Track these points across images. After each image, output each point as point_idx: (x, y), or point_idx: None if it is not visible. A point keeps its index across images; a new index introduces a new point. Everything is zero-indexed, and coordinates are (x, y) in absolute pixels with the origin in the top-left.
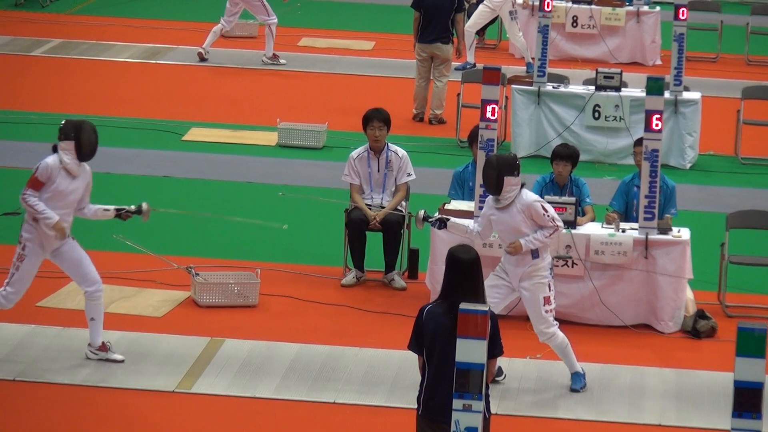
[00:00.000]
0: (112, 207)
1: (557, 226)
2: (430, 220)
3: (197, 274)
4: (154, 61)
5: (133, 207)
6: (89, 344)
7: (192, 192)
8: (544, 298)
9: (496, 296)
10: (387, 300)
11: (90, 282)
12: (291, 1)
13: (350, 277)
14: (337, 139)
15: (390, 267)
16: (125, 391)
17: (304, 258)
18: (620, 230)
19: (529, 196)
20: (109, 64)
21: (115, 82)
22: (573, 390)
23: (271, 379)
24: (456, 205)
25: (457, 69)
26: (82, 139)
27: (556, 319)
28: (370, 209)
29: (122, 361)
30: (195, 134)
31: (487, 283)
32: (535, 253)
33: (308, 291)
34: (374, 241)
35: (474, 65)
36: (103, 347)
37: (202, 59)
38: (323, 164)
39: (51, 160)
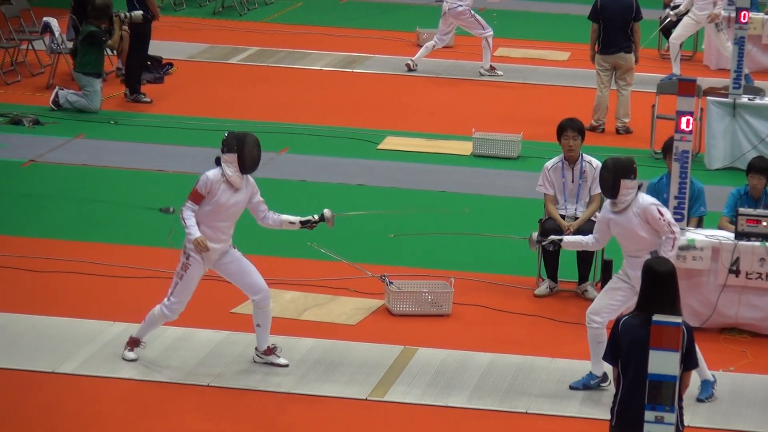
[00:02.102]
0: (297, 218)
1: (673, 231)
2: (543, 243)
3: (391, 283)
4: (350, 70)
5: (316, 216)
6: (256, 348)
7: (387, 201)
8: None
9: (618, 299)
10: (580, 311)
11: (256, 290)
12: (486, 12)
13: (543, 288)
14: (532, 149)
15: (583, 278)
16: (318, 398)
17: (498, 268)
18: None
19: (645, 199)
20: (305, 73)
21: (311, 91)
22: (699, 400)
23: (463, 389)
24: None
25: (662, 81)
26: (245, 151)
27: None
28: (564, 219)
29: (287, 366)
30: (390, 143)
31: (608, 285)
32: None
33: (501, 301)
34: (568, 252)
35: (680, 77)
36: (269, 351)
37: (410, 69)
38: (518, 174)
39: (212, 173)
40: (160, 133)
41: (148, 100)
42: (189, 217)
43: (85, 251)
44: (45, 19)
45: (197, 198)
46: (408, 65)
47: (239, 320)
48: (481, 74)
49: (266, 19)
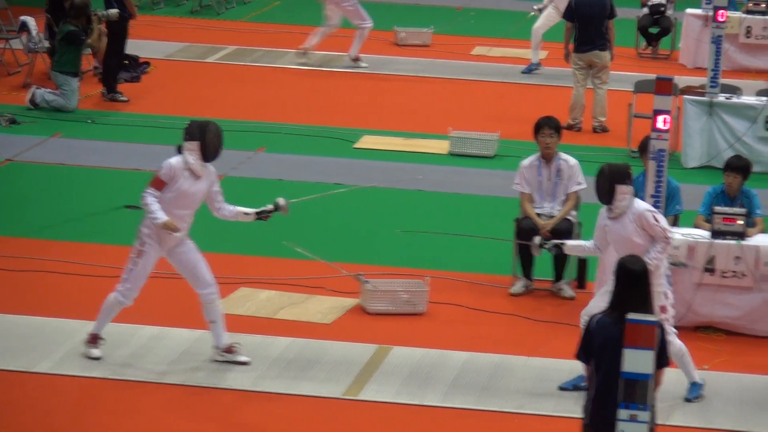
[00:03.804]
0: (251, 210)
1: (667, 237)
2: (545, 246)
3: (367, 282)
4: (327, 69)
5: (270, 206)
6: (215, 347)
7: (363, 200)
8: (661, 307)
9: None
10: (556, 309)
11: (203, 285)
12: (464, 11)
13: (519, 286)
14: (509, 148)
15: (559, 276)
16: (294, 397)
17: (473, 267)
18: None
19: (640, 205)
20: (283, 72)
21: (288, 90)
22: (687, 400)
23: (439, 387)
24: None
25: (523, 72)
26: (207, 139)
27: (679, 327)
28: (540, 218)
29: (248, 363)
30: (367, 142)
31: (604, 288)
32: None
33: (477, 299)
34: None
35: (539, 65)
36: (230, 349)
37: (300, 58)
38: (495, 173)
39: (175, 160)
40: (137, 132)
41: (125, 99)
42: (152, 202)
43: (61, 250)
44: (22, 18)
45: (159, 185)
46: (301, 50)
47: None
48: (346, 63)
49: (244, 18)
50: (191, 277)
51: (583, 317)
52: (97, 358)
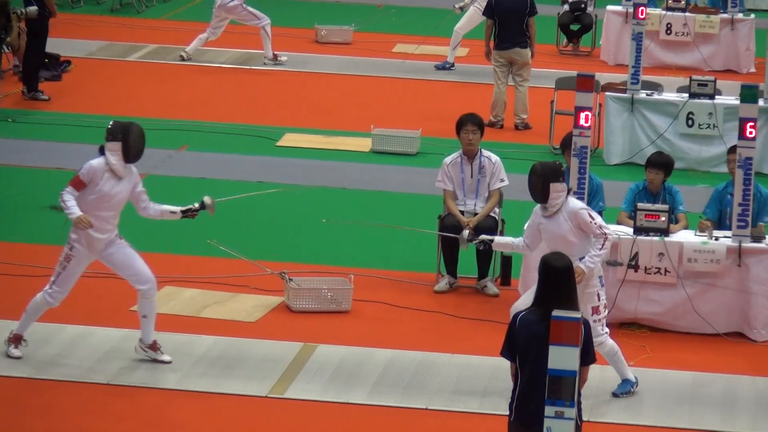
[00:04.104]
0: (177, 208)
1: (605, 233)
2: (474, 241)
3: (290, 280)
4: (248, 67)
5: (196, 204)
6: (140, 340)
7: (286, 198)
8: (593, 308)
9: None
10: (480, 306)
11: (143, 280)
12: (385, 8)
13: (443, 284)
14: (431, 146)
15: (483, 273)
16: (218, 395)
17: (397, 264)
18: (714, 238)
19: (575, 203)
20: (204, 70)
21: (209, 88)
22: (615, 394)
23: (364, 385)
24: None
25: (436, 68)
26: (130, 141)
27: (608, 325)
28: (463, 215)
29: (170, 362)
30: (289, 140)
31: (534, 287)
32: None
33: (401, 297)
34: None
35: (453, 65)
36: (154, 346)
37: (183, 60)
38: (417, 170)
39: (96, 161)
40: (58, 130)
41: (46, 97)
42: (69, 199)
43: None
44: None
45: (79, 185)
46: (181, 56)
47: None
48: (266, 64)
49: (164, 16)
50: (130, 276)
51: (512, 314)
52: (18, 358)
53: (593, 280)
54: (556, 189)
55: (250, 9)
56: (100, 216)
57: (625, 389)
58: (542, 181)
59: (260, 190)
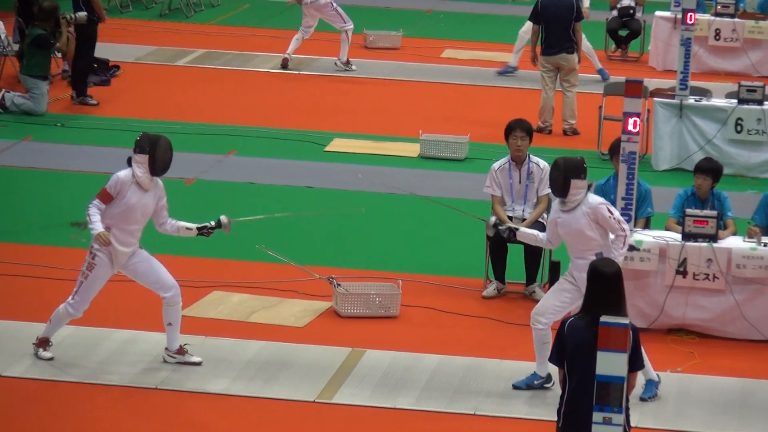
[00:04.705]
0: (194, 225)
1: (624, 229)
2: (500, 227)
3: (339, 285)
4: (297, 72)
5: (212, 222)
6: (166, 348)
7: (334, 203)
8: None
9: (564, 300)
10: (528, 312)
11: (167, 288)
12: (433, 14)
13: (491, 289)
14: (480, 151)
15: (531, 279)
16: (267, 400)
17: (445, 269)
18: (762, 244)
19: (595, 198)
20: (252, 75)
21: (258, 93)
22: (642, 399)
23: (411, 390)
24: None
25: (499, 73)
26: (157, 154)
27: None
28: (511, 221)
29: (201, 363)
30: (337, 145)
31: (555, 287)
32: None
33: (449, 302)
34: (516, 253)
35: (516, 68)
36: (180, 351)
37: (286, 66)
38: (465, 176)
39: (123, 173)
40: (106, 135)
41: (95, 102)
42: (94, 213)
43: (33, 254)
44: None
45: (106, 198)
46: (284, 60)
47: (189, 323)
48: (337, 67)
49: (213, 21)
50: (153, 284)
51: (534, 317)
52: (49, 359)
53: None
54: (577, 185)
55: (339, 10)
56: (125, 229)
57: (652, 392)
58: (563, 176)
59: (307, 193)
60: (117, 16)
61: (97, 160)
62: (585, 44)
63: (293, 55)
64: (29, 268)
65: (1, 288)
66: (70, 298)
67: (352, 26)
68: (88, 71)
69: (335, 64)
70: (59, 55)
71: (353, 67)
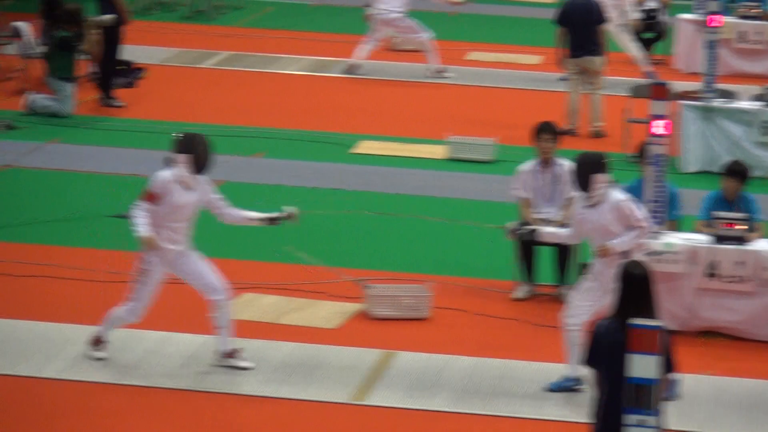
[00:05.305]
0: (259, 215)
1: (643, 225)
2: (518, 231)
3: (369, 287)
4: (321, 74)
5: (279, 213)
6: (217, 351)
7: (361, 205)
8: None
9: (590, 299)
10: (557, 314)
11: (216, 291)
12: (458, 16)
13: (521, 291)
14: (507, 153)
15: (561, 281)
16: (298, 402)
17: (475, 271)
18: None
19: (618, 194)
20: (277, 77)
21: (283, 95)
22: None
23: (445, 392)
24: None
25: (560, 79)
26: (198, 152)
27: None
28: (538, 223)
29: (251, 368)
30: (364, 147)
31: (579, 287)
32: (625, 255)
33: (479, 304)
34: (545, 255)
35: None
36: (232, 354)
37: (353, 72)
38: (492, 178)
39: (165, 173)
40: (132, 137)
41: (121, 104)
42: (140, 216)
43: (60, 255)
44: (14, 23)
45: (152, 198)
46: (350, 67)
47: None
48: (428, 76)
49: (237, 23)
50: (202, 286)
51: (563, 320)
52: (101, 359)
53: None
54: (598, 180)
55: (410, 22)
56: (172, 227)
57: (673, 391)
58: (584, 171)
59: (336, 196)
60: (142, 18)
61: (123, 162)
62: (630, 49)
63: (360, 62)
64: (60, 270)
65: (31, 289)
66: (126, 302)
67: (427, 35)
68: (113, 73)
69: (427, 73)
70: (85, 57)
71: (448, 74)
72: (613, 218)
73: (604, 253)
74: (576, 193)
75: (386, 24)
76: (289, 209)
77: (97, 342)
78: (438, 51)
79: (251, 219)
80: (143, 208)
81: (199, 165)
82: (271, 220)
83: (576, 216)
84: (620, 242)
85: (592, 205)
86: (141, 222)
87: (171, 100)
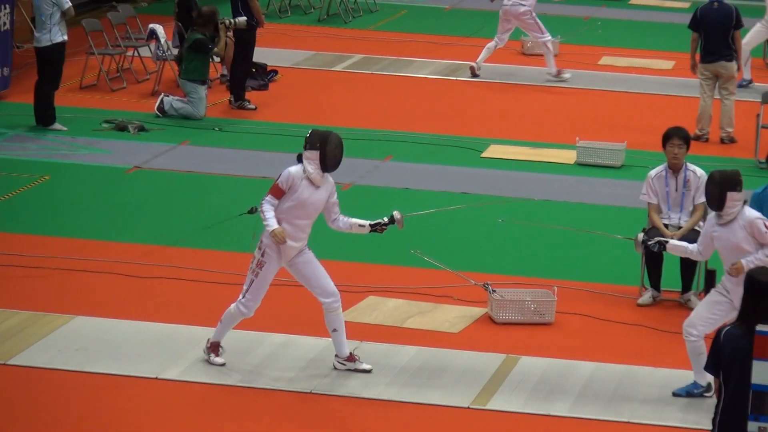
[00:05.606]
0: (366, 222)
1: None
2: (649, 243)
3: (494, 291)
4: (454, 78)
5: (386, 218)
6: (336, 355)
7: (490, 209)
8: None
9: (717, 313)
10: (683, 320)
11: (328, 293)
12: (591, 21)
13: (647, 297)
14: (636, 158)
15: (687, 287)
16: (420, 405)
17: (601, 277)
18: None
19: (751, 212)
20: (410, 80)
21: (415, 98)
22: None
23: (566, 398)
24: None
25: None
26: (327, 150)
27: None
28: (667, 229)
29: (371, 371)
30: (494, 151)
31: (707, 299)
32: None
33: (604, 310)
34: (671, 261)
35: (751, 81)
36: (351, 358)
37: (474, 75)
38: (621, 183)
39: (294, 169)
40: (264, 140)
41: (253, 107)
42: (268, 209)
43: (189, 257)
44: (151, 25)
45: (278, 193)
46: (472, 69)
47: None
48: (548, 79)
49: (371, 26)
50: (315, 288)
51: (686, 329)
52: (221, 365)
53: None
54: (733, 198)
55: (538, 20)
56: (296, 224)
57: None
58: (719, 190)
59: (465, 201)
60: (276, 21)
61: (254, 165)
62: (744, 51)
63: (483, 64)
64: (188, 272)
65: (158, 291)
66: (240, 297)
67: (549, 38)
68: (246, 76)
69: (547, 77)
70: (218, 59)
71: (566, 76)
72: (745, 236)
73: (736, 271)
74: (707, 207)
75: (514, 17)
76: (394, 213)
77: (215, 348)
78: (566, 55)
79: (361, 226)
80: (271, 203)
81: (329, 163)
82: (375, 227)
83: (708, 233)
84: (752, 261)
85: (726, 224)
86: (269, 216)
87: (303, 103)
